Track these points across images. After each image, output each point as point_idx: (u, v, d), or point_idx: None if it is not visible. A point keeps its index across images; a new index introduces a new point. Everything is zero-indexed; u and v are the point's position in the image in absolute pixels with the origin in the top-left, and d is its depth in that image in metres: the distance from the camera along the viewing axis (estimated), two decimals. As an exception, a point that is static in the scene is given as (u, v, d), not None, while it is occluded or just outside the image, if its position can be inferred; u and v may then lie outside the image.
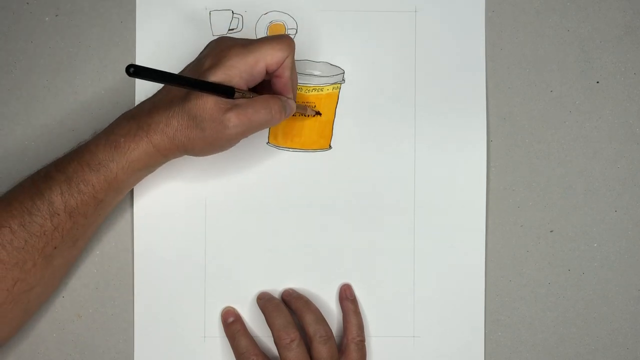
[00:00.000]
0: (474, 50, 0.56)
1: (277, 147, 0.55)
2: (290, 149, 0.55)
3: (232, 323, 0.54)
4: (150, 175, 0.51)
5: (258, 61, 0.46)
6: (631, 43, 0.56)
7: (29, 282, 0.47)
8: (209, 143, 0.47)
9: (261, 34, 0.55)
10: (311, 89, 0.55)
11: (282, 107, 0.48)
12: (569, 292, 0.56)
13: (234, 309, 0.55)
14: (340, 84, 0.55)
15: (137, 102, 0.54)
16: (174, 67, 0.54)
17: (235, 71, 0.46)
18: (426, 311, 0.55)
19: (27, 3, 0.55)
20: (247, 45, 0.47)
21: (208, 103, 0.45)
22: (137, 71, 0.39)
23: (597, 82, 0.56)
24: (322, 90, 0.55)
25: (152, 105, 0.47)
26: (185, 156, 0.49)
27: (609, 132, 0.56)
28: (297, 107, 0.52)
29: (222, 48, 0.47)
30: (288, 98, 0.49)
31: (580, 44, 0.56)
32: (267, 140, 0.55)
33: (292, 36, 0.55)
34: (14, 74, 0.55)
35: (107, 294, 0.55)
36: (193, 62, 0.49)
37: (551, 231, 0.56)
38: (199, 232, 0.55)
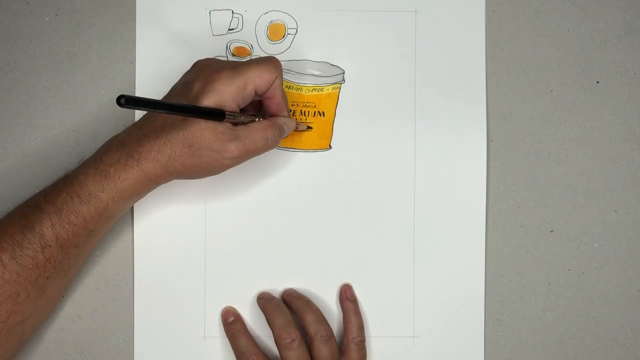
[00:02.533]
0: (474, 50, 0.56)
1: (278, 147, 0.55)
2: (290, 149, 0.55)
3: (232, 323, 0.54)
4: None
5: (247, 84, 0.46)
6: (631, 43, 0.56)
7: (22, 313, 0.47)
8: (205, 170, 0.47)
9: (261, 33, 0.55)
10: (311, 89, 0.55)
11: (280, 133, 0.49)
12: (569, 292, 0.56)
13: (234, 308, 0.55)
14: (340, 84, 0.55)
15: (137, 102, 0.54)
16: (174, 66, 0.54)
17: (226, 95, 0.45)
18: (426, 311, 0.55)
19: (27, 3, 0.55)
20: (235, 68, 0.47)
21: (206, 132, 0.45)
22: (128, 101, 0.38)
23: (597, 82, 0.56)
24: (322, 90, 0.55)
25: (141, 133, 0.47)
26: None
27: (609, 132, 0.56)
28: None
29: (210, 72, 0.47)
30: (286, 119, 0.50)
31: (580, 44, 0.56)
32: (267, 140, 0.55)
33: (292, 36, 0.55)
34: (14, 74, 0.55)
35: (107, 294, 0.55)
36: (179, 84, 0.49)
37: (551, 231, 0.56)
38: (199, 232, 0.55)
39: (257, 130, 0.47)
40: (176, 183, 0.54)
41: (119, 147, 0.46)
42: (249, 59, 0.55)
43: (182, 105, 0.44)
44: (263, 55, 0.55)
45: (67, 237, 0.46)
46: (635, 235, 0.56)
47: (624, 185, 0.56)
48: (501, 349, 0.56)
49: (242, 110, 0.49)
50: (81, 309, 0.55)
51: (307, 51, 0.55)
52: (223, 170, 0.48)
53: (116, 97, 0.54)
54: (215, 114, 0.45)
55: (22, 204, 0.48)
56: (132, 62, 0.55)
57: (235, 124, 0.47)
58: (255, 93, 0.48)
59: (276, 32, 0.55)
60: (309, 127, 0.55)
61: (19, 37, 0.55)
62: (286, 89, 0.55)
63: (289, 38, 0.55)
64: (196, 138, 0.45)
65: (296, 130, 0.54)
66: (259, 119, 0.49)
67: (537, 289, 0.56)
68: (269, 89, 0.48)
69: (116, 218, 0.49)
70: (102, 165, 0.46)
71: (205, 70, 0.47)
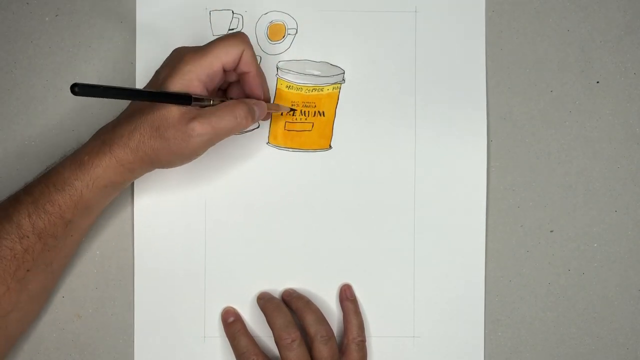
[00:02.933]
0: (474, 50, 0.56)
1: (277, 147, 0.55)
2: (290, 149, 0.55)
3: (232, 323, 0.54)
4: (150, 176, 0.51)
5: (212, 62, 0.46)
6: (631, 43, 0.56)
7: (4, 308, 0.47)
8: (174, 153, 0.46)
9: (261, 34, 0.55)
10: (311, 89, 0.55)
11: (248, 111, 0.47)
12: (569, 292, 0.56)
13: (234, 308, 0.55)
14: (340, 84, 0.55)
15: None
16: (174, 67, 0.54)
17: (192, 75, 0.45)
18: (426, 311, 0.55)
19: (27, 3, 0.55)
20: (200, 48, 0.46)
21: (171, 112, 0.45)
22: (83, 89, 0.38)
23: (597, 82, 0.56)
24: (322, 90, 0.55)
25: (116, 121, 0.47)
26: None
27: (609, 132, 0.56)
28: (269, 106, 0.51)
29: (177, 56, 0.47)
30: (256, 100, 0.49)
31: (580, 44, 0.56)
32: (267, 140, 0.55)
33: (292, 36, 0.55)
34: (14, 74, 0.55)
35: (107, 294, 0.55)
36: (151, 78, 0.49)
37: (551, 231, 0.56)
38: (199, 232, 0.55)
39: (224, 108, 0.46)
40: (176, 183, 0.54)
41: (96, 137, 0.47)
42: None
43: (146, 90, 0.44)
44: (263, 55, 0.55)
45: (44, 227, 0.46)
46: (635, 235, 0.56)
47: (624, 185, 0.56)
48: (501, 349, 0.56)
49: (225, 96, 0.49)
50: (81, 309, 0.55)
51: (307, 51, 0.55)
52: (196, 153, 0.47)
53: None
54: (182, 98, 0.44)
55: (5, 199, 0.48)
56: (132, 62, 0.55)
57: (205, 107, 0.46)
58: (224, 70, 0.47)
59: (276, 32, 0.55)
60: (292, 110, 0.55)
61: (19, 37, 0.55)
62: (286, 89, 0.55)
63: (289, 38, 0.55)
64: (162, 120, 0.45)
65: (278, 112, 0.53)
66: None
67: (537, 289, 0.56)
68: (238, 64, 0.47)
69: (96, 210, 0.49)
70: (78, 155, 0.47)
71: (173, 56, 0.47)
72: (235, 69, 0.48)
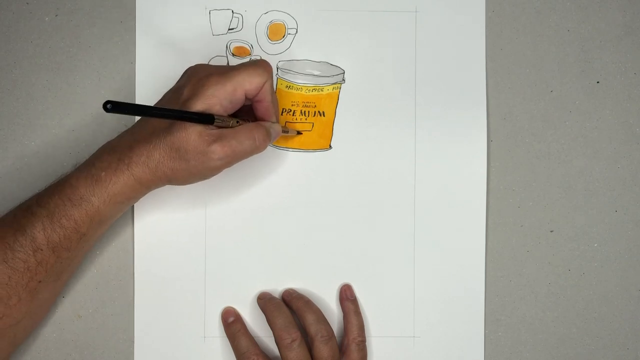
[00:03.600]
0: (474, 50, 0.56)
1: (277, 147, 0.55)
2: (290, 149, 0.55)
3: (232, 323, 0.54)
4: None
5: (236, 89, 0.46)
6: (631, 43, 0.56)
7: (14, 317, 0.47)
8: (193, 174, 0.47)
9: (261, 33, 0.55)
10: (311, 88, 0.55)
11: (267, 134, 0.48)
12: (569, 292, 0.56)
13: (234, 308, 0.55)
14: (340, 84, 0.55)
15: (137, 102, 0.54)
16: (174, 66, 0.54)
17: (215, 100, 0.45)
18: (426, 311, 0.55)
19: (27, 3, 0.55)
20: (225, 73, 0.47)
21: (192, 135, 0.45)
22: (115, 106, 0.38)
23: (597, 82, 0.56)
24: (322, 90, 0.55)
25: (132, 138, 0.47)
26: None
27: (609, 132, 0.56)
28: (282, 128, 0.52)
29: (200, 77, 0.47)
30: (272, 123, 0.49)
31: (580, 44, 0.56)
32: (267, 140, 0.55)
33: (292, 36, 0.55)
34: (14, 74, 0.55)
35: (107, 294, 0.55)
36: (170, 90, 0.49)
37: (551, 231, 0.56)
38: (199, 232, 0.55)
39: (244, 131, 0.47)
40: (176, 183, 0.55)
41: (111, 152, 0.47)
42: (248, 59, 0.55)
43: (170, 110, 0.44)
44: (263, 55, 0.55)
45: (59, 241, 0.46)
46: (635, 235, 0.56)
47: (624, 185, 0.56)
48: (501, 349, 0.56)
49: (235, 116, 0.49)
50: (81, 309, 0.55)
51: (307, 51, 0.55)
52: (213, 174, 0.48)
53: (115, 98, 0.54)
54: (204, 118, 0.45)
55: (15, 208, 0.48)
56: (132, 62, 0.55)
57: (224, 128, 0.47)
58: (246, 97, 0.48)
59: (276, 32, 0.55)
60: (299, 132, 0.55)
61: (19, 37, 0.55)
62: (286, 89, 0.55)
63: (289, 38, 0.55)
64: (182, 141, 0.45)
65: (285, 134, 0.54)
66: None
67: (537, 289, 0.56)
68: (258, 92, 0.48)
69: (109, 223, 0.49)
70: (93, 170, 0.46)
71: (195, 76, 0.47)
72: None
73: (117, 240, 0.55)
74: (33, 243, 0.46)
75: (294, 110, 0.55)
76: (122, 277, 0.55)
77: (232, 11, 0.55)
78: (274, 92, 0.49)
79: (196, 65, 0.49)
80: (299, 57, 0.55)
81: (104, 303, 0.55)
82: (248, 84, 0.47)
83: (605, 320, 0.56)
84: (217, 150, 0.45)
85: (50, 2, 0.55)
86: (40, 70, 0.55)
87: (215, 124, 0.45)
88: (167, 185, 0.55)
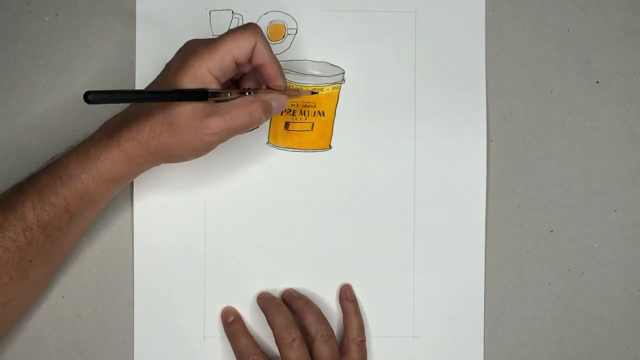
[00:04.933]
0: (474, 50, 0.56)
1: (277, 147, 0.55)
2: (290, 149, 0.55)
3: (232, 322, 0.54)
4: (150, 175, 0.51)
5: (224, 56, 0.45)
6: (631, 43, 0.56)
7: (5, 296, 0.47)
8: (186, 148, 0.46)
9: (261, 34, 0.55)
10: (311, 88, 0.55)
11: (264, 109, 0.47)
12: (569, 292, 0.56)
13: (234, 308, 0.55)
14: (340, 84, 0.55)
15: (137, 102, 0.54)
16: (174, 67, 0.54)
17: (204, 70, 0.44)
18: (426, 311, 0.55)
19: (27, 3, 0.55)
20: (211, 42, 0.45)
21: (185, 109, 0.44)
22: (96, 96, 0.36)
23: (597, 82, 0.56)
24: (322, 90, 0.55)
25: (124, 115, 0.47)
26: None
27: (609, 132, 0.56)
28: (289, 92, 0.50)
29: (186, 51, 0.46)
30: (275, 95, 0.48)
31: (580, 44, 0.56)
32: (267, 140, 0.55)
33: (292, 36, 0.55)
34: (14, 74, 0.55)
35: (107, 294, 0.55)
36: (161, 72, 0.48)
37: (551, 231, 0.56)
38: (199, 232, 0.55)
39: (240, 105, 0.46)
40: (176, 183, 0.54)
41: (102, 129, 0.47)
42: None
43: (159, 91, 0.43)
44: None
45: (49, 219, 0.46)
46: (635, 235, 0.56)
47: (624, 185, 0.56)
48: (501, 349, 0.56)
49: (239, 86, 0.48)
50: (81, 309, 0.55)
51: (307, 51, 0.55)
52: (209, 149, 0.47)
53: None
54: (198, 94, 0.43)
55: (9, 189, 0.48)
56: (132, 62, 0.55)
57: (222, 102, 0.45)
58: (237, 64, 0.46)
59: (276, 32, 0.55)
60: (314, 92, 0.54)
61: (19, 37, 0.55)
62: (286, 89, 0.55)
63: (289, 38, 0.55)
64: (175, 115, 0.44)
65: (299, 96, 0.53)
66: (250, 94, 0.47)
67: (537, 289, 0.56)
68: (252, 56, 0.46)
69: (100, 203, 0.48)
70: (84, 147, 0.46)
71: (181, 51, 0.47)
72: (249, 60, 0.47)
73: (117, 240, 0.55)
74: (23, 222, 0.45)
75: (294, 110, 0.55)
76: (122, 277, 0.55)
77: (232, 11, 0.55)
78: (270, 51, 0.47)
79: (186, 42, 0.48)
80: (299, 57, 0.55)
81: (104, 303, 0.55)
82: (236, 49, 0.45)
83: (605, 320, 0.56)
84: (211, 125, 0.45)
85: (50, 2, 0.55)
86: (40, 70, 0.55)
87: (210, 98, 0.44)
88: (167, 185, 0.55)
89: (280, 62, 0.55)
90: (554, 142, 0.56)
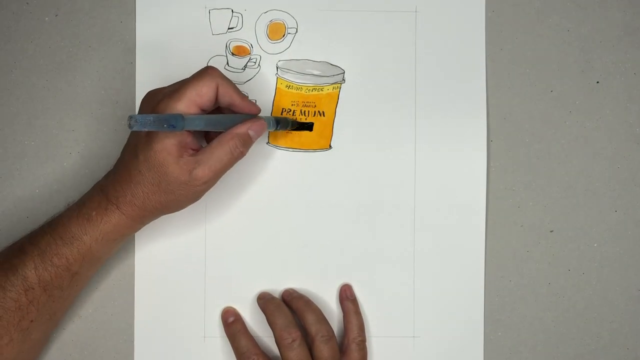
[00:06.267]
0: (474, 50, 0.56)
1: (277, 147, 0.55)
2: (290, 149, 0.55)
3: (232, 323, 0.54)
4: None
5: (189, 107, 0.45)
6: (631, 43, 0.56)
7: (6, 357, 0.46)
8: (182, 201, 0.47)
9: (261, 33, 0.55)
10: (311, 88, 0.55)
11: (242, 142, 0.47)
12: (569, 292, 0.56)
13: (234, 308, 0.55)
14: (340, 83, 0.55)
15: (137, 101, 0.54)
16: (174, 66, 0.54)
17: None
18: (426, 311, 0.55)
19: (27, 3, 0.55)
20: (173, 93, 0.45)
21: (169, 168, 0.44)
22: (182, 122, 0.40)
23: (597, 82, 0.56)
24: (322, 90, 0.55)
25: (114, 178, 0.47)
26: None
27: (609, 132, 0.56)
28: (280, 120, 0.51)
29: (152, 106, 0.46)
30: (249, 124, 0.47)
31: (580, 44, 0.56)
32: (267, 141, 0.55)
33: (292, 35, 0.55)
34: (14, 74, 0.55)
35: (107, 294, 0.55)
36: (130, 135, 0.48)
37: (551, 231, 0.56)
38: (199, 233, 0.55)
39: (218, 147, 0.46)
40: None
41: (100, 192, 0.47)
42: (248, 58, 0.55)
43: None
44: (263, 54, 0.55)
45: (50, 279, 0.46)
46: (635, 235, 0.56)
47: (624, 185, 0.56)
48: (501, 349, 0.56)
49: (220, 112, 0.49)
50: (81, 309, 0.55)
51: (307, 51, 0.55)
52: (202, 195, 0.48)
53: (115, 98, 0.54)
54: (175, 119, 0.43)
55: (7, 247, 0.48)
56: (132, 62, 0.55)
57: (198, 152, 0.46)
58: (204, 110, 0.46)
59: (276, 31, 0.55)
60: (310, 126, 0.55)
61: (19, 37, 0.55)
62: (286, 89, 0.55)
63: (289, 37, 0.55)
64: (162, 175, 0.45)
65: (288, 130, 0.54)
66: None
67: (537, 289, 0.56)
68: (217, 99, 0.46)
69: (102, 261, 0.49)
70: (84, 209, 0.46)
71: (146, 102, 0.47)
72: (216, 101, 0.47)
73: (117, 240, 0.55)
74: (24, 282, 0.45)
75: (294, 110, 0.55)
76: (122, 277, 0.55)
77: (232, 10, 0.55)
78: (234, 88, 0.47)
79: (147, 93, 0.48)
80: (298, 57, 0.55)
81: (104, 303, 0.55)
82: (199, 97, 0.45)
83: (605, 320, 0.56)
84: (199, 176, 0.45)
85: (50, 2, 0.55)
86: (40, 70, 0.55)
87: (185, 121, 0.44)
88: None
89: (280, 62, 0.55)
90: (554, 142, 0.56)
